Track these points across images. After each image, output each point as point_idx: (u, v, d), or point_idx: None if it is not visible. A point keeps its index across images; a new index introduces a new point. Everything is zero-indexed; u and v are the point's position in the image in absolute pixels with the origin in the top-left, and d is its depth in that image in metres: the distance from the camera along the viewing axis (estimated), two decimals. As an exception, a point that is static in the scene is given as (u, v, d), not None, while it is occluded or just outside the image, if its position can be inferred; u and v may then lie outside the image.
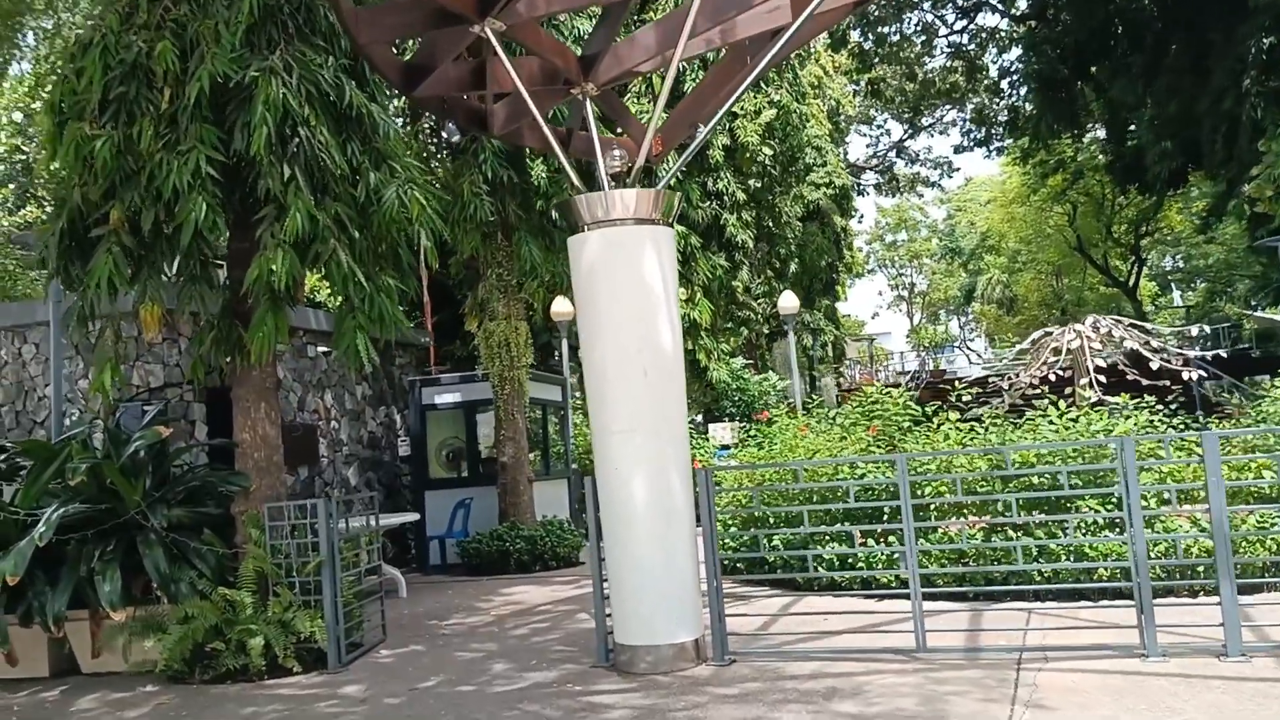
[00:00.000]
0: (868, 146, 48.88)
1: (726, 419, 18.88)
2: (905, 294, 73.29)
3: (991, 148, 35.04)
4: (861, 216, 47.26)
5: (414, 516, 11.59)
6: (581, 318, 7.01)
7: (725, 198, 20.16)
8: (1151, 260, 51.91)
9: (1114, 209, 44.59)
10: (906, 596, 7.93)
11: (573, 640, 7.98)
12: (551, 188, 13.59)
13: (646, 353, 6.74)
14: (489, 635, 8.50)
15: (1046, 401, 8.99)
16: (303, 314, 12.58)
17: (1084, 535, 7.47)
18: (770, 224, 22.54)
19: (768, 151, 20.63)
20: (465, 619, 9.40)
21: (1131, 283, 47.65)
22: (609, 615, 7.03)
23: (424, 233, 8.10)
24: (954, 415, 9.02)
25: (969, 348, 67.60)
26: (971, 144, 35.20)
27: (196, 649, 7.46)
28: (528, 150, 13.47)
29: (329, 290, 21.49)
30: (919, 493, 7.82)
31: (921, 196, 56.51)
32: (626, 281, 6.78)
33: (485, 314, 12.75)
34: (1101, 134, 35.44)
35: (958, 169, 66.05)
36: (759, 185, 20.99)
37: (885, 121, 47.01)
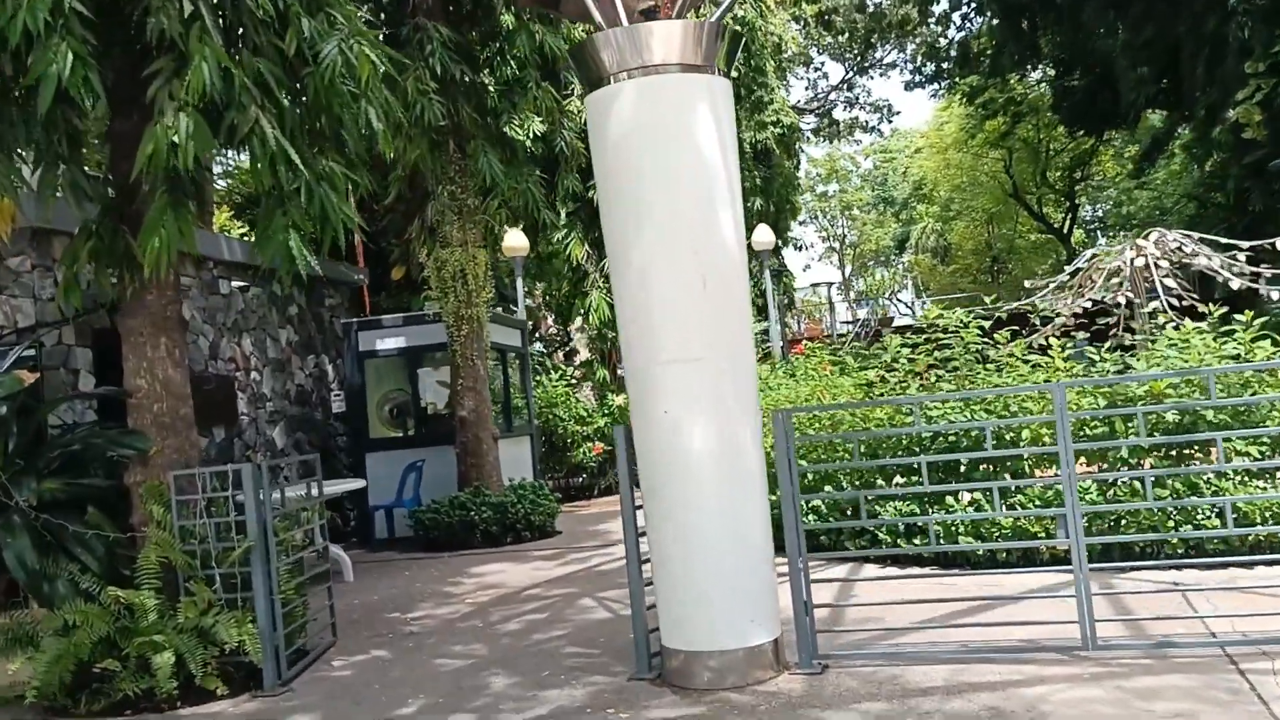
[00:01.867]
0: (806, 89, 47.12)
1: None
2: (836, 246, 72.24)
3: (942, 84, 33.66)
4: (799, 164, 45.65)
5: (360, 483, 9.63)
6: (609, 208, 5.12)
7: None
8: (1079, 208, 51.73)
9: (1049, 154, 44.08)
10: (995, 568, 6.39)
11: (588, 638, 6.17)
12: (502, 103, 11.55)
13: (705, 253, 4.89)
14: (473, 633, 6.64)
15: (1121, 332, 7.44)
16: (213, 241, 10.40)
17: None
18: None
19: (732, 74, 18.71)
20: (435, 609, 7.51)
21: (1066, 229, 47.32)
22: (650, 607, 5.24)
23: (374, 110, 6.10)
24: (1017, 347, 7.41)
25: (898, 299, 66.90)
26: (923, 80, 33.79)
27: (82, 670, 5.47)
28: (481, 48, 11.41)
29: (237, 227, 19.10)
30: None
31: (860, 143, 55.12)
32: (676, 154, 4.91)
33: (436, 240, 10.71)
34: (1036, 75, 34.64)
35: (898, 112, 64.81)
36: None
37: (824, 64, 45.38)
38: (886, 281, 66.83)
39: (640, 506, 5.30)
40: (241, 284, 10.73)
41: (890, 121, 48.24)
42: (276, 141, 5.34)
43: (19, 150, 5.41)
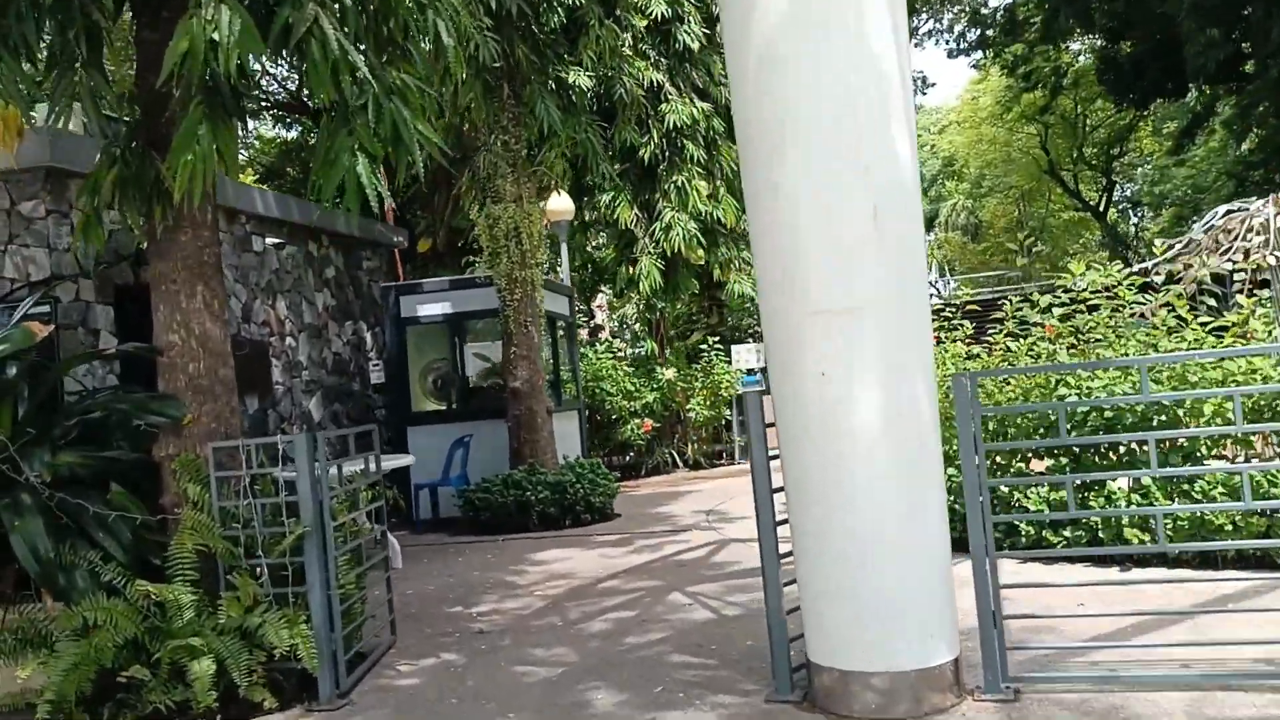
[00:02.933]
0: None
1: (751, 339, 16.18)
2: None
3: (986, 52, 32.43)
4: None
5: (410, 459, 8.75)
6: (750, 121, 4.15)
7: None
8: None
9: (1086, 129, 43.02)
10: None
11: (695, 644, 5.24)
12: (548, 52, 10.46)
13: (876, 173, 3.92)
14: (553, 633, 5.73)
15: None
16: (245, 193, 9.48)
17: None
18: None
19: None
20: (501, 603, 6.61)
21: (1102, 206, 46.24)
22: (791, 611, 4.31)
23: (443, 23, 5.18)
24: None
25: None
26: (966, 48, 32.57)
27: (104, 677, 4.60)
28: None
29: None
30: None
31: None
32: (840, 51, 3.93)
33: (487, 195, 9.76)
34: (1077, 45, 33.67)
35: (933, 84, 63.33)
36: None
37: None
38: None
39: (779, 489, 4.37)
40: (276, 241, 9.83)
41: (925, 94, 47.01)
42: (340, 46, 4.40)
43: (27, 50, 4.47)
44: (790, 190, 3.98)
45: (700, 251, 14.19)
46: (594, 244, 19.55)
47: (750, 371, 15.30)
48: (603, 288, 20.16)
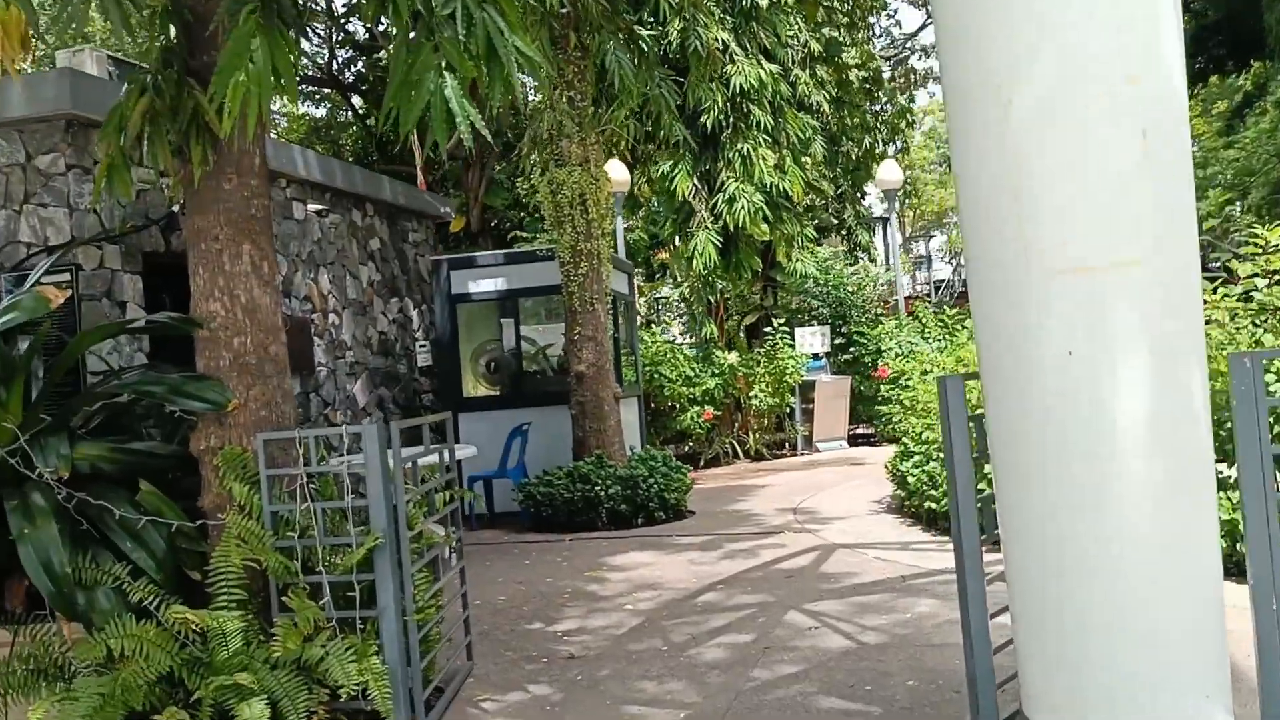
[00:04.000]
0: (877, 37, 44.57)
1: (815, 322, 15.20)
2: (898, 207, 69.59)
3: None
4: (913, 99, 42.82)
5: (471, 450, 7.89)
6: (967, 18, 3.19)
7: (794, 48, 16.15)
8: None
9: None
10: None
11: (842, 682, 4.32)
12: (612, 4, 9.48)
13: (1145, 89, 2.97)
14: (660, 661, 4.83)
15: None
16: (285, 152, 8.61)
17: None
18: (836, 89, 18.52)
19: (843, -6, 16.64)
20: (588, 619, 5.71)
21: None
22: (1001, 647, 3.40)
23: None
24: None
25: (947, 262, 64.22)
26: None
27: (133, 720, 3.75)
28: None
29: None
30: None
31: (934, 96, 52.53)
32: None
33: (551, 157, 8.83)
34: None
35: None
36: (833, 35, 16.97)
37: (896, 12, 42.98)
38: (952, 243, 64.14)
39: (984, 495, 3.45)
40: (318, 208, 8.95)
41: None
42: (422, -62, 3.49)
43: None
44: (1031, 107, 3.01)
45: (764, 226, 13.22)
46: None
47: (816, 356, 14.37)
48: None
